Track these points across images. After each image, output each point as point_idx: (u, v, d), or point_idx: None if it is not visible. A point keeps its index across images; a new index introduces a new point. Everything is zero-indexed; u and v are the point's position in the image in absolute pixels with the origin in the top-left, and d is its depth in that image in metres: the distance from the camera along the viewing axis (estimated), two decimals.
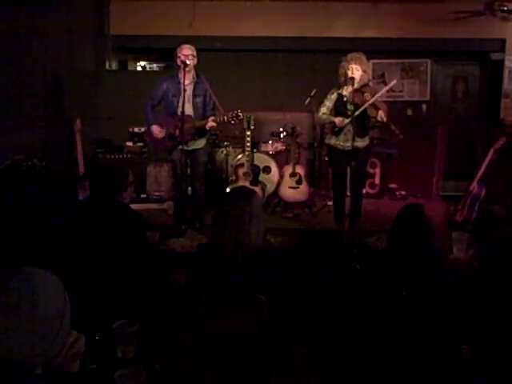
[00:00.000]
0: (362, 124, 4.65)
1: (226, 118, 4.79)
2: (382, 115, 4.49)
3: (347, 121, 4.58)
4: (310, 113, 6.43)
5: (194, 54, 4.79)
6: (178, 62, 4.73)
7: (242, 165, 5.70)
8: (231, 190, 2.89)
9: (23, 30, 6.75)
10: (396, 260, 2.20)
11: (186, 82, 4.76)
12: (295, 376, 1.89)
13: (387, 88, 4.95)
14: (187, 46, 4.78)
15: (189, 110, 4.82)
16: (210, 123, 4.78)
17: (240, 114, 4.82)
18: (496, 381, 1.98)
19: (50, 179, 5.80)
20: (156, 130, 4.88)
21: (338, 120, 4.65)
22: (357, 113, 4.45)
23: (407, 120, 7.05)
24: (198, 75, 4.90)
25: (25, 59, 6.80)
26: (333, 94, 4.77)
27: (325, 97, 4.89)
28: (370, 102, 4.46)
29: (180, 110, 4.67)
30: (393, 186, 6.70)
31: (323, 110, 4.80)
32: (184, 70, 4.66)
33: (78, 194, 5.33)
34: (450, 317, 2.06)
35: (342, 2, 6.96)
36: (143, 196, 6.39)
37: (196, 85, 4.87)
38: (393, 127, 4.60)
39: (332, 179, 5.17)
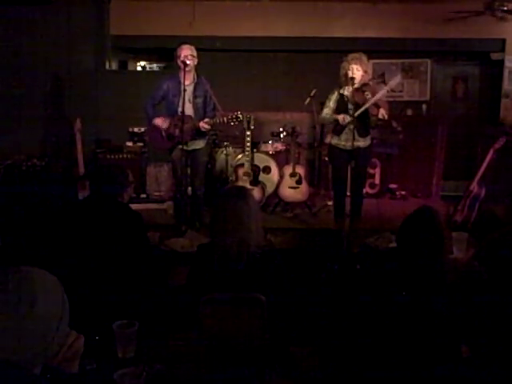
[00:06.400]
0: (364, 123, 4.66)
1: (225, 119, 4.79)
2: (383, 113, 4.49)
3: (349, 119, 4.58)
4: (310, 113, 6.43)
5: (194, 54, 4.79)
6: (178, 62, 4.73)
7: (241, 165, 5.70)
8: (224, 190, 2.88)
9: (23, 30, 6.75)
10: (403, 260, 2.20)
11: (187, 83, 4.76)
12: (295, 376, 1.89)
13: (387, 88, 4.83)
14: (187, 46, 4.78)
15: (189, 110, 4.83)
16: (202, 124, 4.77)
17: (240, 116, 4.82)
18: (496, 381, 1.98)
19: (50, 179, 5.80)
20: (159, 121, 4.87)
21: (340, 117, 4.66)
22: (358, 112, 4.45)
23: (407, 120, 7.05)
24: (198, 76, 4.90)
25: (25, 59, 6.79)
26: (334, 94, 4.79)
27: (326, 97, 4.90)
28: (373, 102, 4.46)
29: (180, 109, 4.68)
30: (393, 186, 6.70)
31: (326, 110, 4.82)
32: (184, 70, 4.66)
33: (78, 194, 5.33)
34: (449, 317, 2.06)
35: (342, 2, 6.96)
36: (143, 196, 6.39)
37: (196, 85, 4.87)
38: (394, 124, 4.61)
39: (332, 179, 5.18)
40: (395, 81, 4.93)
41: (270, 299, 2.19)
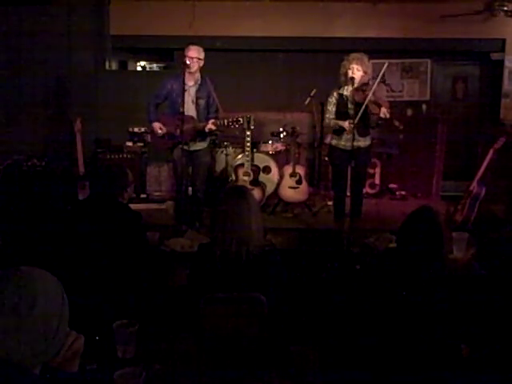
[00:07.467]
0: (364, 123, 4.65)
1: (225, 121, 4.81)
2: (384, 111, 4.47)
3: (355, 123, 4.54)
4: (309, 113, 6.43)
5: (200, 56, 4.76)
6: (182, 63, 4.71)
7: (241, 165, 5.70)
8: (224, 190, 2.89)
9: (23, 30, 6.75)
10: (403, 260, 2.20)
11: (190, 84, 4.76)
12: (295, 375, 1.89)
13: (382, 72, 4.66)
14: (194, 47, 4.74)
15: (192, 111, 4.82)
16: (209, 125, 4.78)
17: (240, 119, 4.85)
18: (496, 381, 1.98)
19: (50, 179, 5.80)
20: (157, 127, 4.87)
21: (346, 125, 4.59)
22: (361, 111, 4.44)
23: (407, 120, 7.05)
24: (202, 77, 4.89)
25: (25, 59, 6.79)
26: (332, 95, 4.77)
27: (326, 98, 4.89)
28: (370, 95, 4.43)
29: (181, 110, 4.67)
30: (393, 185, 6.70)
31: (329, 116, 4.80)
32: (184, 70, 4.65)
33: (78, 194, 5.33)
34: (450, 317, 2.06)
35: (341, 2, 6.96)
36: (143, 196, 6.39)
37: (200, 86, 4.86)
38: (397, 123, 4.57)
39: (332, 179, 5.17)
40: (386, 65, 4.68)
41: (270, 299, 2.19)
